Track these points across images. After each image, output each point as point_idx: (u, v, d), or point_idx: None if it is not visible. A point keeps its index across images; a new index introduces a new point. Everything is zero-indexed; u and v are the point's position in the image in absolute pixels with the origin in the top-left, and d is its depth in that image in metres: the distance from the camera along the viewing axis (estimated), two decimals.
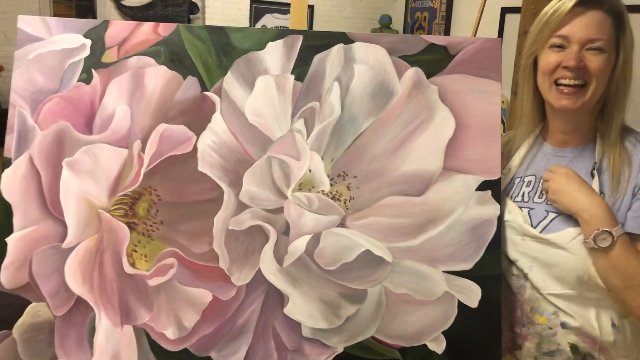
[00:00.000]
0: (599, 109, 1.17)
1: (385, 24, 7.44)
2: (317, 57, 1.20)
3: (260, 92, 1.19)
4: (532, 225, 1.17)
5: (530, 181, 1.23)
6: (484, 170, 1.18)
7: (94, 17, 7.24)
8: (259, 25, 7.61)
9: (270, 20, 7.90)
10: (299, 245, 1.15)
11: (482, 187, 1.17)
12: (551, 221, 1.16)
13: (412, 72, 1.20)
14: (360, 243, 1.16)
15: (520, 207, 1.20)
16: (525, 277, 1.16)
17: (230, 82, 1.19)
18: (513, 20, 5.09)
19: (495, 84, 1.20)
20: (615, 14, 1.12)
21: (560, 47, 1.13)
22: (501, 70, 1.20)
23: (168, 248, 1.15)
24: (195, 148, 1.17)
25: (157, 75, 1.19)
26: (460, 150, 1.18)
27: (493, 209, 1.17)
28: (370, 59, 1.20)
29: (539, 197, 1.20)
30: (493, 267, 1.17)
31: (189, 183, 1.16)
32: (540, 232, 1.15)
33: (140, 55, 1.19)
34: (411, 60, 1.20)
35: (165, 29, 1.20)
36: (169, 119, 1.18)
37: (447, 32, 6.29)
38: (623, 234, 1.06)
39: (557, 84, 1.14)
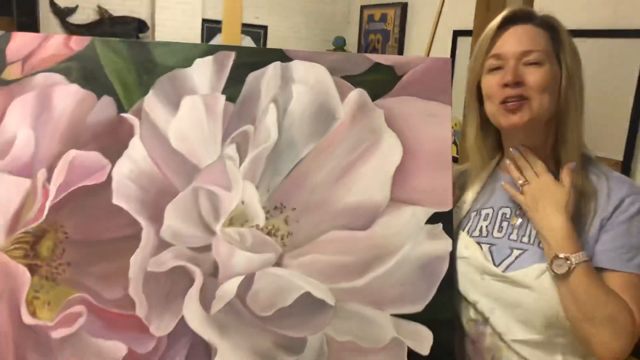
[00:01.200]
0: (553, 131, 1.09)
1: (339, 45, 7.41)
2: (251, 76, 1.08)
3: (186, 114, 1.05)
4: (494, 264, 1.06)
5: (488, 214, 1.12)
6: (434, 202, 1.07)
7: (37, 32, 6.94)
8: None
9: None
10: (229, 288, 1.01)
11: (433, 219, 1.07)
12: (516, 259, 1.05)
13: (356, 94, 1.09)
14: (299, 285, 1.03)
15: (479, 243, 1.09)
16: (486, 321, 1.05)
17: (151, 102, 1.05)
18: (465, 43, 5.11)
19: (445, 107, 1.10)
20: (549, 27, 1.06)
21: (498, 68, 1.06)
22: (451, 93, 1.10)
23: (76, 294, 1.00)
24: (109, 178, 1.02)
25: (67, 95, 1.04)
26: (409, 180, 1.07)
27: (444, 244, 1.07)
28: (310, 79, 1.09)
29: (498, 231, 1.09)
30: (445, 309, 1.06)
31: (102, 218, 1.02)
32: (504, 271, 1.04)
33: (48, 72, 1.04)
34: (355, 81, 1.09)
35: (78, 42, 1.06)
36: (80, 145, 1.03)
37: (400, 54, 6.29)
38: (586, 263, 0.96)
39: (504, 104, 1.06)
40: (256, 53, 1.10)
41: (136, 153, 1.04)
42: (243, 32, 7.69)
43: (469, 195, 1.15)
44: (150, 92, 1.05)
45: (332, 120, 1.08)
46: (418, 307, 1.04)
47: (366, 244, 1.05)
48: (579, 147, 1.06)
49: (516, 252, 1.05)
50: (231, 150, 1.05)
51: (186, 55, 1.07)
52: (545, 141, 1.09)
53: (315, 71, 1.09)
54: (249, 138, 1.06)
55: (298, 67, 1.09)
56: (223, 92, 1.07)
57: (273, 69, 1.08)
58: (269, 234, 1.04)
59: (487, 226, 1.11)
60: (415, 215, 1.06)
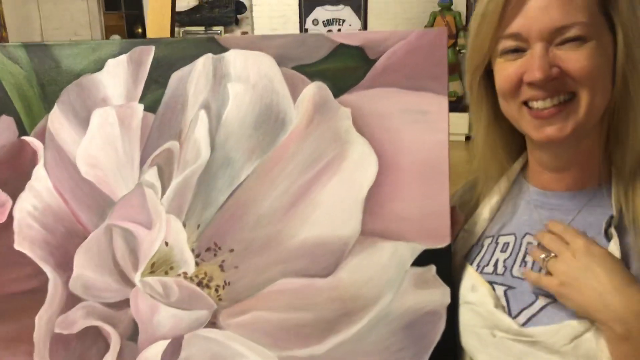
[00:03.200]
0: (606, 126, 0.73)
1: (445, 6, 6.89)
2: (175, 76, 0.82)
3: (97, 132, 0.83)
4: (509, 314, 0.74)
5: (508, 243, 0.79)
6: (424, 234, 0.76)
7: (144, 26, 7.21)
8: (309, 20, 7.30)
9: (321, 14, 7.51)
10: (151, 356, 0.79)
11: (422, 260, 0.76)
12: (541, 309, 0.72)
13: (313, 90, 0.79)
14: (240, 352, 0.78)
15: (492, 283, 0.77)
16: None
17: (57, 120, 0.84)
18: None
19: (440, 99, 0.77)
20: None
21: (517, 51, 0.71)
22: (447, 78, 0.77)
23: None
24: (10, 217, 0.83)
25: None
26: (388, 205, 0.77)
27: (440, 294, 0.76)
28: (250, 74, 0.81)
29: (520, 267, 0.76)
30: None
31: (3, 268, 0.83)
32: (523, 324, 0.72)
33: None
34: (312, 71, 0.80)
35: None
36: None
37: None
38: None
39: (529, 107, 0.72)
40: (180, 46, 0.84)
41: (40, 185, 0.83)
42: (341, 1, 7.40)
43: (484, 214, 0.82)
44: (55, 107, 0.84)
45: (282, 127, 0.80)
46: None
47: (328, 296, 0.77)
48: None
49: (542, 301, 0.72)
50: (151, 175, 0.81)
51: (97, 55, 0.84)
52: (597, 142, 0.74)
53: (258, 62, 0.81)
54: (173, 158, 0.81)
55: (235, 59, 0.81)
56: (142, 100, 0.83)
57: (203, 65, 0.82)
58: (199, 284, 0.80)
59: (505, 260, 0.78)
60: (396, 253, 0.76)
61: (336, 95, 0.79)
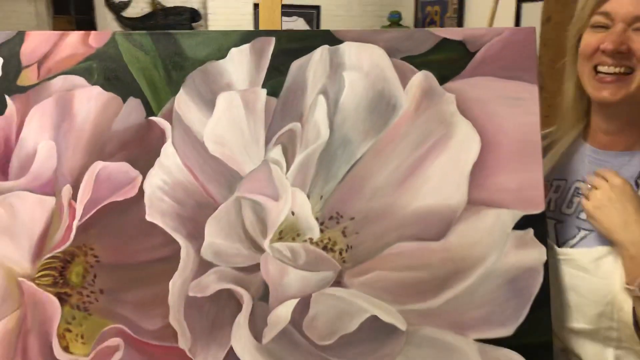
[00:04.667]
0: None
1: (394, 20, 7.16)
2: (295, 65, 0.92)
3: (223, 114, 0.91)
4: (557, 243, 0.93)
5: (560, 186, 0.98)
6: (522, 202, 0.88)
7: (95, 29, 7.04)
8: None
9: None
10: (282, 313, 0.87)
11: (521, 224, 0.88)
12: (581, 240, 0.91)
13: (421, 78, 0.91)
14: (363, 307, 0.87)
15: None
16: None
17: (183, 102, 0.91)
18: (530, 10, 4.77)
19: (532, 87, 0.90)
20: None
21: (604, 27, 0.89)
22: (537, 69, 0.91)
23: (111, 325, 0.88)
24: (141, 191, 0.89)
25: (90, 99, 0.92)
26: (490, 178, 0.89)
27: (538, 253, 0.88)
28: (364, 64, 0.92)
29: (567, 207, 0.95)
30: (541, 331, 0.87)
31: (135, 238, 0.89)
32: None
33: (66, 74, 0.93)
34: (419, 62, 0.92)
35: (97, 39, 0.93)
36: (106, 155, 0.91)
37: (460, 25, 5.98)
38: None
39: (597, 71, 0.90)
40: (299, 37, 0.94)
41: (169, 162, 0.90)
42: (295, 13, 7.55)
43: (546, 163, 0.99)
44: (181, 90, 0.92)
45: (393, 110, 0.91)
46: (508, 330, 0.87)
47: (441, 257, 0.88)
48: None
49: (582, 233, 0.91)
50: (276, 153, 0.90)
51: (219, 44, 0.93)
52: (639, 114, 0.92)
53: (369, 53, 0.92)
54: (296, 138, 0.91)
55: (349, 50, 0.92)
56: (264, 86, 0.92)
57: (320, 55, 0.92)
58: (324, 248, 0.89)
59: (556, 199, 0.97)
60: (499, 219, 0.88)
61: (441, 83, 0.91)
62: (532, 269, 0.88)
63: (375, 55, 0.92)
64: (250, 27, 7.37)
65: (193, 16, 7.28)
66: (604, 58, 0.88)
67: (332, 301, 0.88)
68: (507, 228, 0.88)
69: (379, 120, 0.91)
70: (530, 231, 0.88)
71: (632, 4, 0.86)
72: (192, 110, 0.91)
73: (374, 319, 0.87)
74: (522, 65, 0.91)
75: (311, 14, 7.63)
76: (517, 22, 4.98)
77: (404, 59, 0.92)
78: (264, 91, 0.91)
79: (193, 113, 0.91)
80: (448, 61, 0.92)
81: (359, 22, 7.59)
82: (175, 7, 7.14)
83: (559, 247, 0.92)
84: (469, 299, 0.88)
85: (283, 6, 0.97)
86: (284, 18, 7.82)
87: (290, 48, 0.93)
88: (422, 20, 6.99)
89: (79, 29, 7.30)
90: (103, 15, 7.10)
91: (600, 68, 0.89)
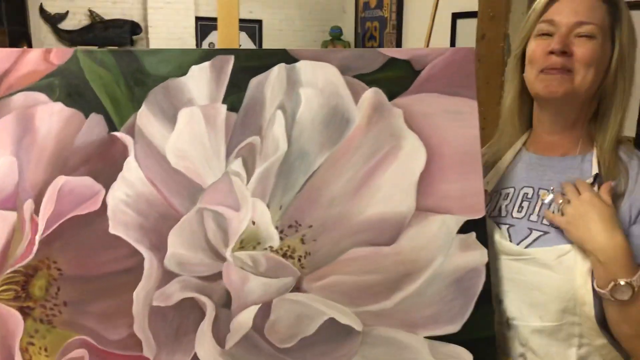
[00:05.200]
0: (592, 111, 1.01)
1: (335, 35, 7.29)
2: (253, 82, 0.97)
3: (185, 129, 0.95)
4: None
5: (509, 193, 1.05)
6: (465, 208, 0.96)
7: (29, 43, 6.82)
8: (205, 43, 7.36)
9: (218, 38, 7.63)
10: (244, 319, 0.91)
11: (465, 228, 0.96)
12: (535, 240, 0.98)
13: (371, 94, 0.98)
14: (322, 310, 0.93)
15: (497, 224, 1.03)
16: (499, 305, 0.99)
17: (145, 117, 0.95)
18: (465, 26, 4.99)
19: (471, 102, 0.99)
20: (610, 1, 0.97)
21: (548, 35, 0.98)
22: (475, 86, 0.99)
23: (75, 336, 0.90)
24: (104, 204, 0.92)
25: (52, 115, 0.93)
26: (435, 186, 0.96)
27: (480, 254, 0.96)
28: (319, 81, 0.98)
29: (518, 212, 1.02)
30: (485, 326, 0.95)
31: (99, 250, 0.91)
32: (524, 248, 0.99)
33: (28, 90, 0.94)
34: (369, 79, 0.98)
35: (59, 55, 0.95)
36: (69, 170, 0.93)
37: (398, 41, 6.17)
38: None
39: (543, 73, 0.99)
40: (258, 55, 0.99)
41: (132, 175, 0.93)
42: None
43: (494, 175, 1.09)
44: (143, 106, 0.95)
45: (347, 124, 0.97)
46: (455, 327, 0.94)
47: (393, 260, 0.95)
48: (618, 132, 0.99)
49: (535, 234, 0.98)
50: (237, 165, 0.95)
51: (180, 62, 0.97)
52: (579, 118, 1.02)
53: (324, 71, 0.98)
54: (255, 151, 0.95)
55: (305, 68, 0.98)
56: (224, 102, 0.96)
57: (277, 72, 0.97)
58: (284, 256, 0.94)
59: (506, 206, 1.04)
60: (444, 224, 0.96)
61: (390, 98, 0.98)
62: (475, 269, 0.96)
63: (329, 73, 0.98)
64: (192, 41, 7.34)
65: (133, 29, 7.18)
66: (551, 59, 0.96)
67: (292, 306, 0.93)
68: (452, 232, 0.96)
69: (334, 133, 0.97)
70: (473, 234, 0.96)
71: (573, 12, 0.96)
72: (154, 125, 0.95)
73: (332, 321, 0.92)
74: (463, 83, 0.99)
75: (253, 27, 7.67)
76: (453, 37, 5.18)
77: (355, 76, 0.98)
78: (224, 106, 0.96)
79: (155, 128, 0.95)
80: (396, 79, 0.99)
81: (300, 37, 7.69)
82: (114, 20, 7.03)
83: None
84: (419, 299, 0.94)
85: None
86: None
87: (249, 66, 0.98)
88: (362, 36, 7.15)
89: (11, 41, 7.06)
90: (38, 27, 6.90)
91: (546, 71, 0.97)
